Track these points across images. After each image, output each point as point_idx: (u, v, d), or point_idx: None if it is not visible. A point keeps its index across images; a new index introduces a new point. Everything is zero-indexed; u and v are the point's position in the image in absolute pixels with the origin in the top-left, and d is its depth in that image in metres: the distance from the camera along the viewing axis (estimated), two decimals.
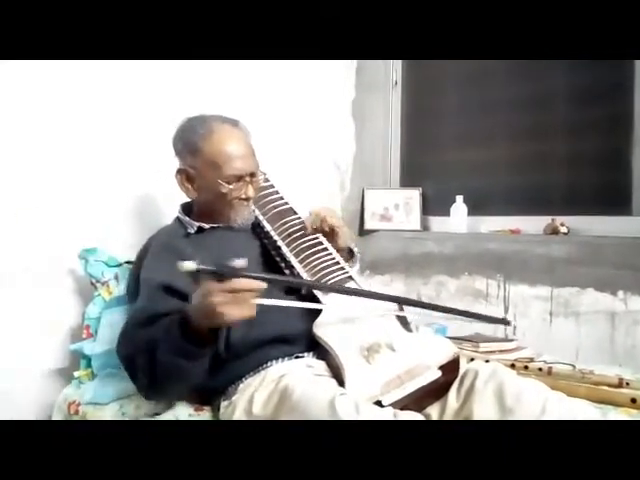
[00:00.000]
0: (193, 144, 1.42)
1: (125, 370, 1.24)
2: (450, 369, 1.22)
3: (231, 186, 1.40)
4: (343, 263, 1.42)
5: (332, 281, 1.37)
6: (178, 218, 1.50)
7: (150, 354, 1.13)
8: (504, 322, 1.39)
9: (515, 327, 2.14)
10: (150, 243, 1.44)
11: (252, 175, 1.44)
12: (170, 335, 1.11)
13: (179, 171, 1.46)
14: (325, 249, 1.43)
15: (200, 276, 1.05)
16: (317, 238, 1.45)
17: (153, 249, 1.39)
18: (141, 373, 1.18)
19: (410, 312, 1.36)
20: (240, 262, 1.03)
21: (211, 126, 1.42)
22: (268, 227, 1.48)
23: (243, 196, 1.43)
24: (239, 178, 1.41)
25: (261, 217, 1.50)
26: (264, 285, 1.05)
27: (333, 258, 1.41)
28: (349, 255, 1.54)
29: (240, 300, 1.03)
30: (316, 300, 1.31)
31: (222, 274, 1.02)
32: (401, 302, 1.35)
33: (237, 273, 1.03)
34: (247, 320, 1.28)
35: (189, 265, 0.99)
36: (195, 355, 1.12)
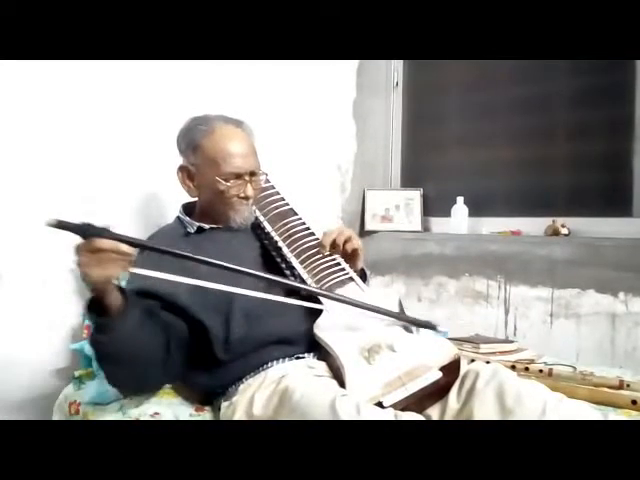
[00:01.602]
0: (195, 142, 1.43)
1: None
2: (451, 370, 1.22)
3: (229, 184, 1.40)
4: (344, 264, 1.41)
5: (333, 282, 1.36)
6: (179, 218, 1.50)
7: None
8: (430, 326, 1.33)
9: (516, 328, 2.14)
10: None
11: (252, 174, 1.44)
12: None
13: (180, 168, 1.47)
14: None
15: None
16: (318, 238, 1.45)
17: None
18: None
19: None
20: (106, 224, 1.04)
21: (213, 125, 1.43)
22: (269, 228, 1.48)
23: (242, 195, 1.43)
24: (238, 176, 1.41)
25: (262, 218, 1.50)
26: (131, 250, 1.04)
27: (334, 259, 1.41)
28: (362, 275, 1.51)
29: (104, 260, 1.02)
30: (314, 300, 1.30)
31: (85, 233, 1.02)
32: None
33: (100, 233, 1.02)
34: (247, 320, 1.29)
35: (50, 221, 0.99)
36: (104, 327, 1.12)
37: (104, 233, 1.02)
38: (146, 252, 1.35)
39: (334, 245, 1.41)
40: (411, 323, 1.29)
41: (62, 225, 1.00)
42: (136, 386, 1.30)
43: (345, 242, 1.41)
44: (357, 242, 1.43)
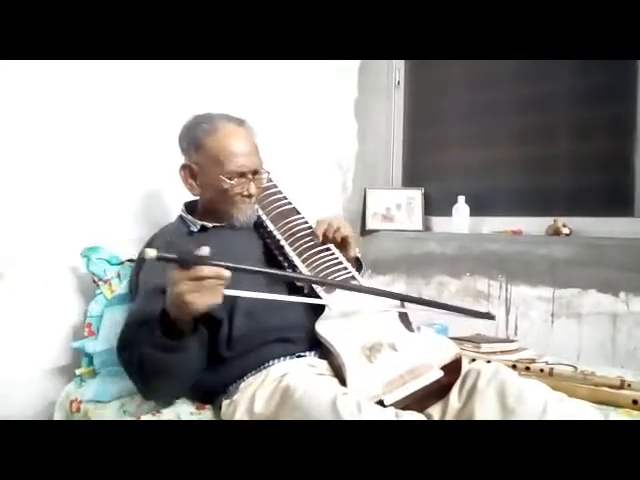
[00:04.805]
0: (197, 140, 1.44)
1: (125, 371, 1.24)
2: (452, 369, 1.22)
3: (233, 182, 1.41)
4: (346, 263, 1.42)
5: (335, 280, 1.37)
6: (181, 217, 1.51)
7: (140, 353, 1.14)
8: (489, 317, 1.41)
9: (517, 328, 2.14)
10: (152, 241, 1.44)
11: (255, 173, 1.45)
12: (153, 331, 1.12)
13: (183, 167, 1.48)
14: (328, 249, 1.43)
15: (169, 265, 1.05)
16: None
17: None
18: (134, 373, 1.20)
19: (412, 309, 1.36)
20: (203, 250, 1.03)
21: (216, 123, 1.44)
22: (271, 226, 1.48)
23: (245, 193, 1.44)
24: (241, 175, 1.42)
25: (264, 217, 1.50)
26: (228, 273, 1.05)
27: (336, 257, 1.41)
28: (357, 264, 1.53)
29: (204, 288, 1.03)
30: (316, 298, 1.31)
31: (185, 262, 1.02)
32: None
33: (199, 261, 1.02)
34: (249, 318, 1.30)
35: (149, 253, 0.99)
36: (174, 348, 1.12)
37: (200, 261, 1.02)
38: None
39: (325, 235, 1.43)
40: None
41: (161, 258, 1.01)
42: (172, 397, 1.33)
43: (335, 232, 1.43)
44: (346, 230, 1.45)
